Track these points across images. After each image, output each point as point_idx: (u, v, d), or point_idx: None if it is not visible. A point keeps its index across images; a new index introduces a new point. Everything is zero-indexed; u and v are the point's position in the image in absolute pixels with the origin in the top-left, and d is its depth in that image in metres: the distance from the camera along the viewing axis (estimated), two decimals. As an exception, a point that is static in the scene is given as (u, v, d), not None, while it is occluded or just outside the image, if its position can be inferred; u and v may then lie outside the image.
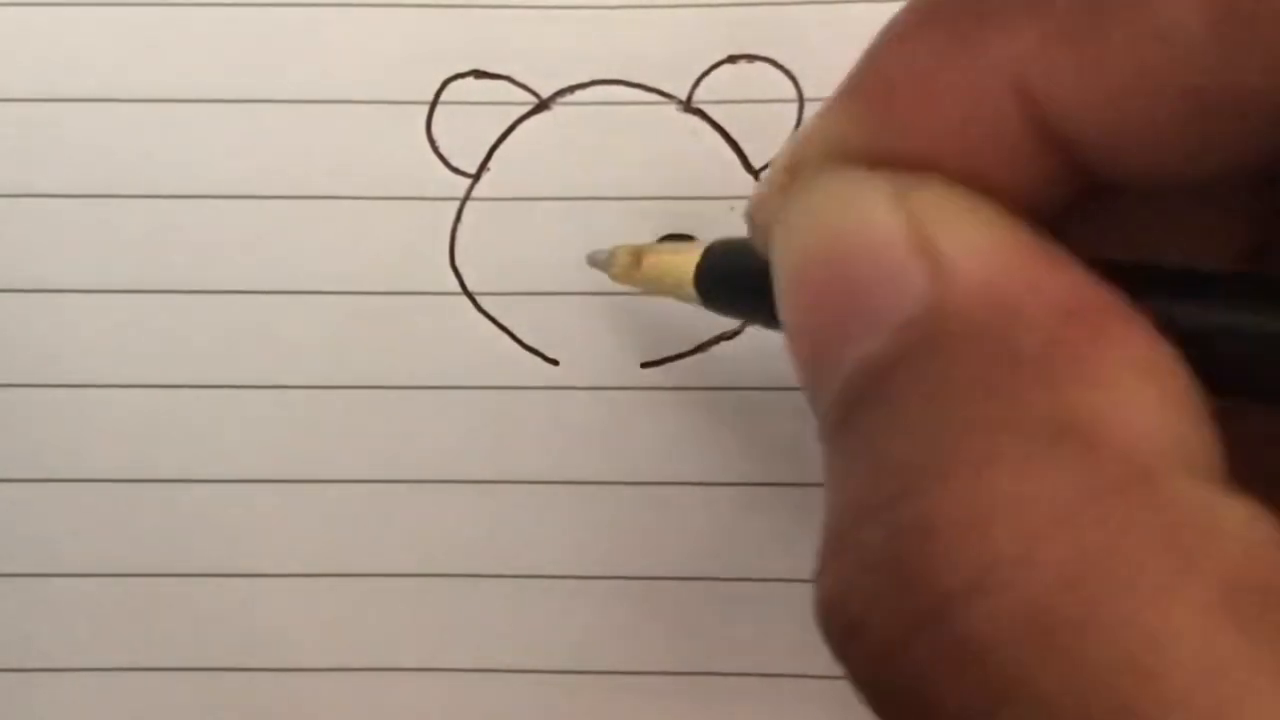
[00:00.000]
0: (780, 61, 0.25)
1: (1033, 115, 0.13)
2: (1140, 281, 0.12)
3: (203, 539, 0.24)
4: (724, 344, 0.25)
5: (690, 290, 0.21)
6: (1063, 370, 0.12)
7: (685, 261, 0.21)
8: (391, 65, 0.26)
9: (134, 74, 0.26)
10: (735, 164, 0.25)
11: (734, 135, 0.25)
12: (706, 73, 0.25)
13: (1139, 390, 0.11)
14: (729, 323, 0.24)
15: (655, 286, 0.23)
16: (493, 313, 0.25)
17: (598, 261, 0.24)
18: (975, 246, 0.12)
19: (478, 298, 0.25)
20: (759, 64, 0.25)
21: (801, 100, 0.25)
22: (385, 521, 0.24)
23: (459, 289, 0.25)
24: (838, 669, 0.12)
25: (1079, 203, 0.14)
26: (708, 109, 0.25)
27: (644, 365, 0.25)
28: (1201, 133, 0.13)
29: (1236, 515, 0.11)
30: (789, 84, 0.25)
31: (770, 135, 0.25)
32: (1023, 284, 0.12)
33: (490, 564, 0.24)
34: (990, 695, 0.11)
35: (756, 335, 0.24)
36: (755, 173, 0.25)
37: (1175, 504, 0.11)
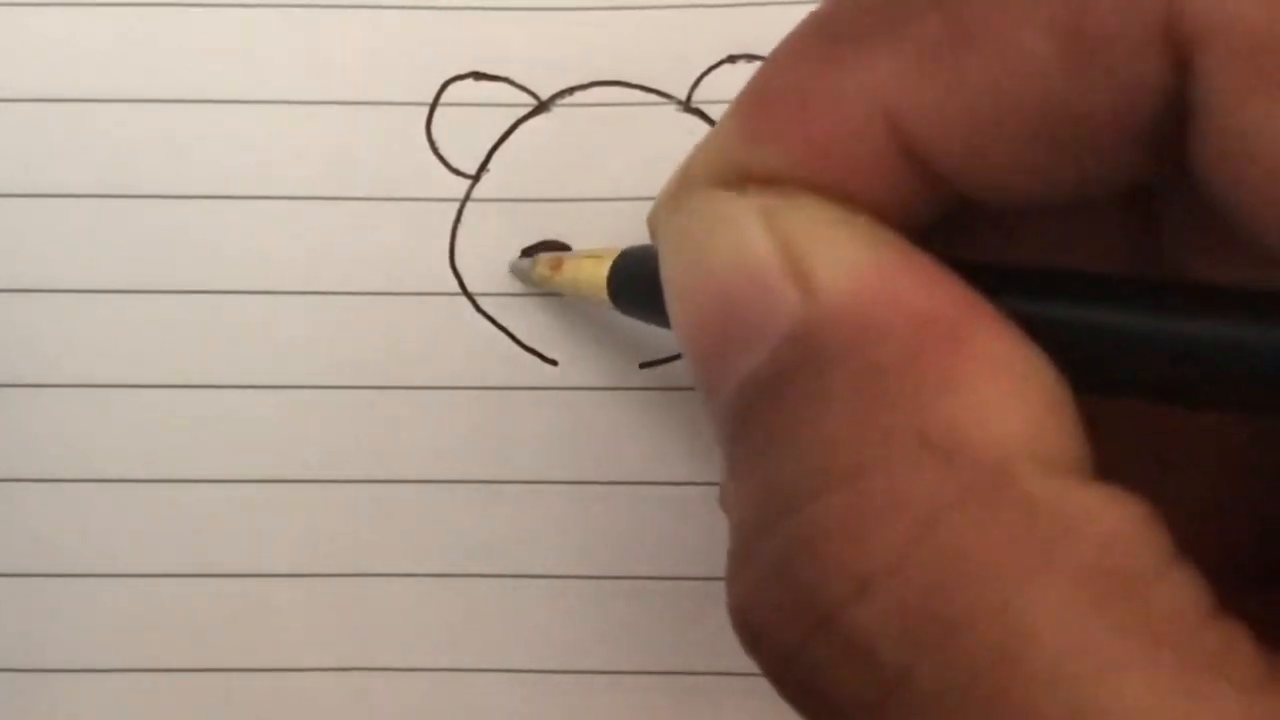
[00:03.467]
0: (780, 62, 0.25)
1: (898, 136, 0.13)
2: (1006, 283, 0.13)
3: (203, 539, 0.24)
4: (724, 344, 0.25)
5: (605, 296, 0.21)
6: (922, 380, 0.12)
7: (601, 268, 0.21)
8: (391, 66, 0.26)
9: (134, 74, 0.26)
10: (735, 164, 0.25)
11: (734, 135, 0.25)
12: (706, 73, 0.25)
13: (995, 393, 0.12)
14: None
15: (573, 292, 0.23)
16: (492, 313, 0.25)
17: (518, 270, 0.24)
18: (842, 264, 0.13)
19: (478, 298, 0.25)
20: (759, 64, 0.25)
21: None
22: (385, 521, 0.24)
23: (459, 289, 0.25)
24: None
25: (958, 218, 0.14)
26: (707, 109, 0.25)
27: (643, 365, 0.25)
28: (1057, 153, 0.13)
29: (1094, 505, 0.12)
30: (789, 84, 0.25)
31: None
32: (884, 298, 0.12)
33: (490, 564, 0.24)
34: (878, 690, 0.12)
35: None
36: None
37: (1032, 500, 0.11)
